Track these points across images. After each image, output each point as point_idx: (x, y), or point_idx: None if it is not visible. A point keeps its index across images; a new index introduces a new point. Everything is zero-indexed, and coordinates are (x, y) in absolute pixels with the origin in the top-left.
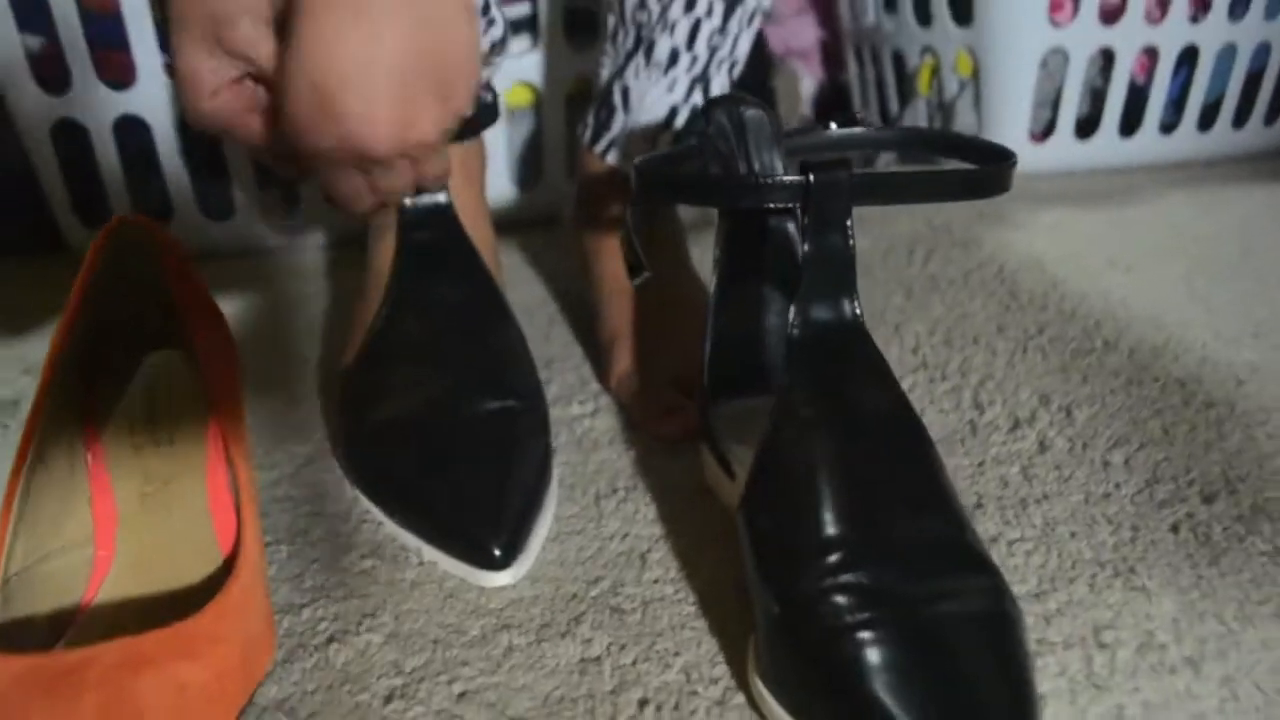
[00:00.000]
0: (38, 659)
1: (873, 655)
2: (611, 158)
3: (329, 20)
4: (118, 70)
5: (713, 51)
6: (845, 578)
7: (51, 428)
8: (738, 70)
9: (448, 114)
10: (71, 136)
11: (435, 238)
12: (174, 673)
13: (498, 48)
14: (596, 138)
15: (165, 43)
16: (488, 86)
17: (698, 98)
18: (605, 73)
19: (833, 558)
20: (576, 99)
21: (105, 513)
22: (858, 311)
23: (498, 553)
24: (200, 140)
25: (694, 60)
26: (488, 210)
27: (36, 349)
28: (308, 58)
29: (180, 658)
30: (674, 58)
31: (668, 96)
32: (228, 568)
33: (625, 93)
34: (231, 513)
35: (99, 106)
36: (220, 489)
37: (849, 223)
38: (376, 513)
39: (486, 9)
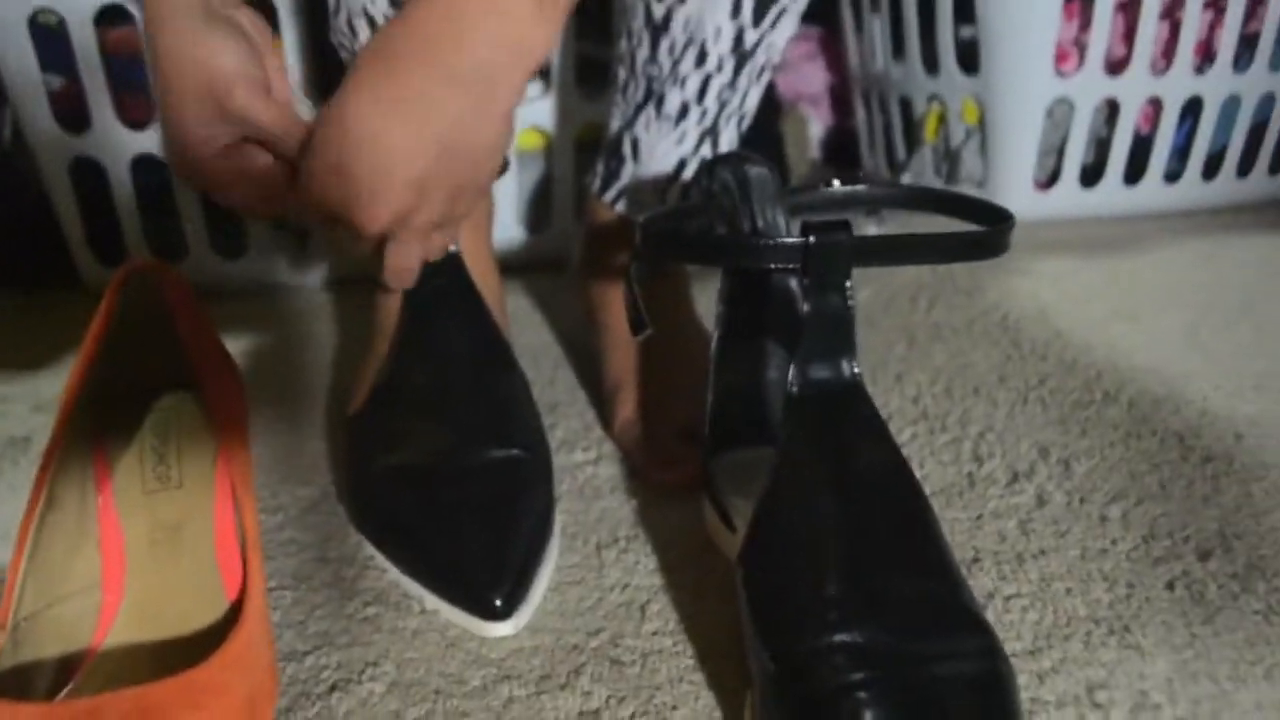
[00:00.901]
0: (49, 708)
1: (868, 716)
2: (620, 207)
3: (371, 104)
4: (136, 111)
5: (722, 105)
6: (841, 637)
7: (63, 469)
8: (746, 123)
9: (453, 211)
10: (89, 175)
11: (443, 286)
12: None
13: None
14: (606, 187)
15: None
16: None
17: (707, 150)
18: (615, 124)
19: (829, 616)
20: (586, 144)
21: (114, 557)
22: (856, 371)
23: (499, 603)
24: None
25: (704, 114)
26: (494, 258)
27: (48, 386)
28: (337, 132)
29: (187, 707)
30: (684, 111)
31: (677, 149)
32: (233, 614)
33: (635, 144)
34: (238, 558)
35: (116, 146)
36: (227, 534)
37: (848, 284)
38: (380, 559)
39: None
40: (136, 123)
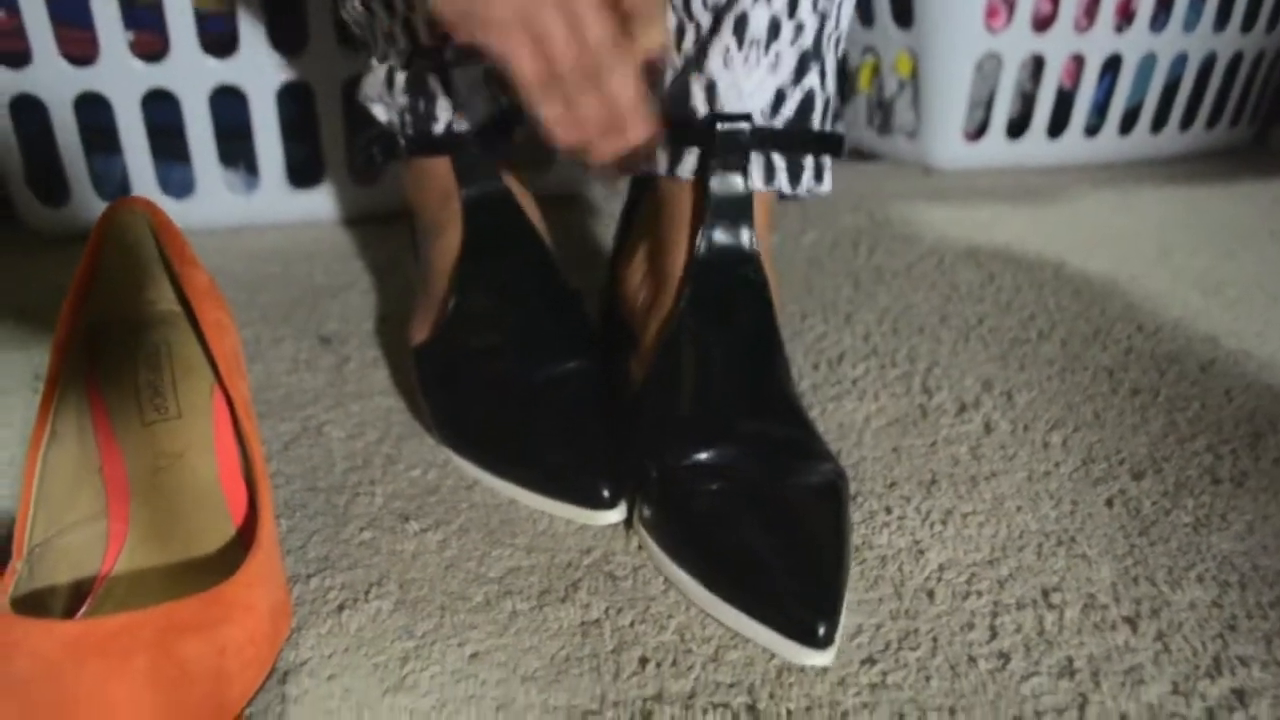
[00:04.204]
0: (86, 624)
1: (721, 508)
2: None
3: None
4: (78, 48)
5: (822, 19)
6: (704, 455)
7: (61, 404)
8: (842, 48)
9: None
10: (30, 113)
11: (498, 221)
12: (214, 636)
13: None
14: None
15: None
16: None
17: (813, 82)
18: (673, 84)
19: (698, 440)
20: None
21: (117, 486)
22: (754, 243)
23: (607, 494)
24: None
25: (799, 30)
26: (530, 193)
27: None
28: None
29: (218, 622)
30: (775, 29)
31: (771, 78)
32: (242, 538)
33: (712, 88)
34: (240, 483)
35: (59, 82)
36: (230, 461)
37: (748, 166)
38: (469, 468)
39: None
40: (79, 59)
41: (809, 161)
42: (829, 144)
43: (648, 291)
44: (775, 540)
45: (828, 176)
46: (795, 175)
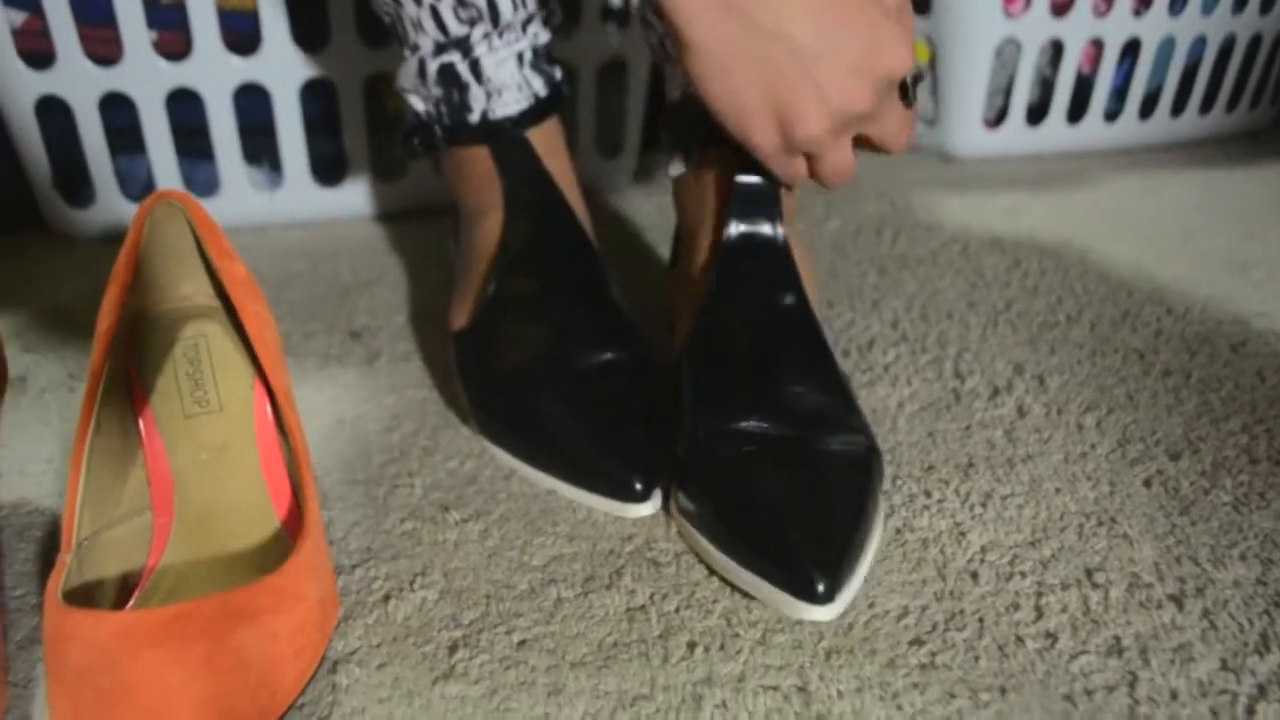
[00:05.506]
0: (140, 614)
1: (757, 474)
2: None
3: None
4: (102, 48)
5: None
6: (746, 424)
7: (104, 399)
8: None
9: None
10: (55, 113)
11: (538, 209)
12: (267, 624)
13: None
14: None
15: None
16: (558, 65)
17: None
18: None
19: (738, 408)
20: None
21: (161, 479)
22: (781, 232)
23: (640, 487)
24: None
25: None
26: (576, 179)
27: (33, 328)
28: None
29: (270, 610)
30: None
31: None
32: (287, 528)
33: None
34: (283, 474)
35: (83, 82)
36: (271, 452)
37: None
38: (505, 457)
39: (545, 1)
40: (103, 59)
41: None
42: None
43: (684, 279)
44: (790, 500)
45: None
46: None
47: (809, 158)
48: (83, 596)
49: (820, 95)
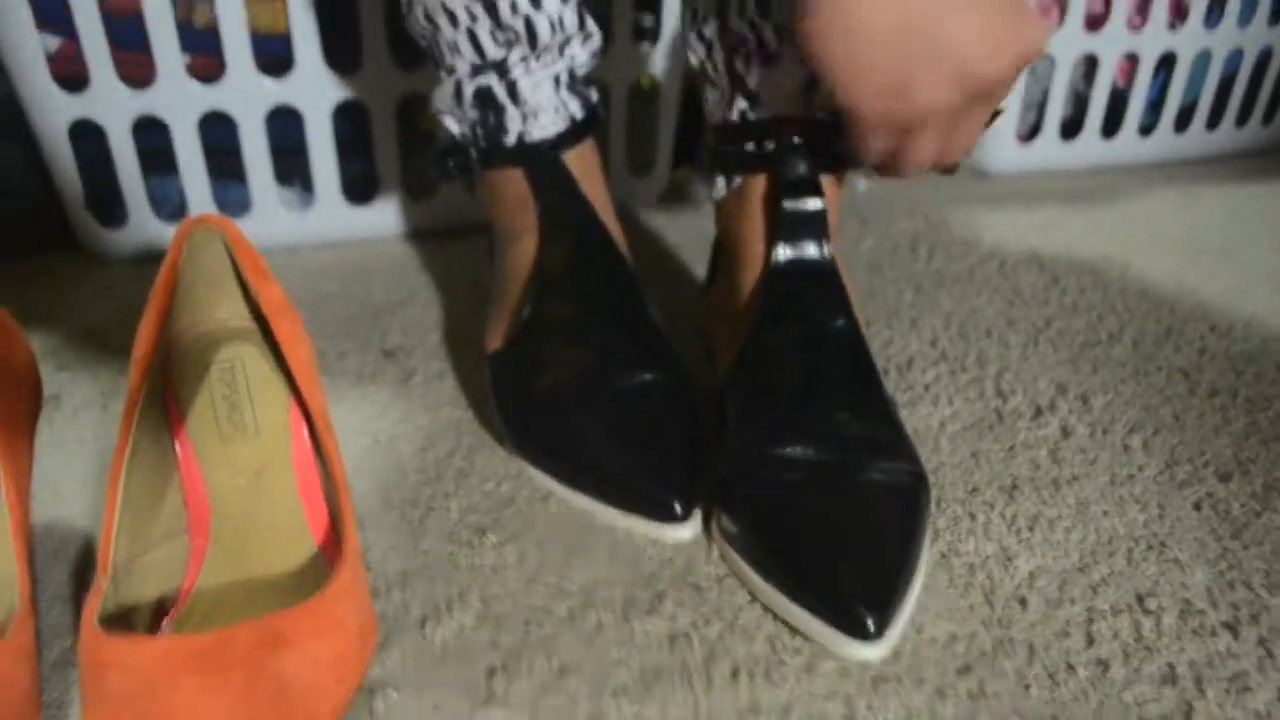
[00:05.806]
0: (179, 639)
1: (799, 501)
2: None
3: None
4: (135, 71)
5: None
6: (790, 450)
7: (141, 421)
8: None
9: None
10: (88, 136)
11: (573, 230)
12: (305, 650)
13: (596, 55)
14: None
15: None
16: (594, 86)
17: None
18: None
19: (784, 434)
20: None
21: (198, 502)
22: (828, 253)
23: (679, 508)
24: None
25: None
26: (611, 201)
27: (67, 347)
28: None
29: (309, 636)
30: None
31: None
32: (324, 552)
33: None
34: (320, 498)
35: (117, 106)
36: (309, 475)
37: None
38: (542, 478)
39: (582, 24)
40: (136, 82)
41: None
42: None
43: (727, 301)
44: (837, 530)
45: None
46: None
47: (906, 138)
48: (118, 620)
49: (952, 64)
